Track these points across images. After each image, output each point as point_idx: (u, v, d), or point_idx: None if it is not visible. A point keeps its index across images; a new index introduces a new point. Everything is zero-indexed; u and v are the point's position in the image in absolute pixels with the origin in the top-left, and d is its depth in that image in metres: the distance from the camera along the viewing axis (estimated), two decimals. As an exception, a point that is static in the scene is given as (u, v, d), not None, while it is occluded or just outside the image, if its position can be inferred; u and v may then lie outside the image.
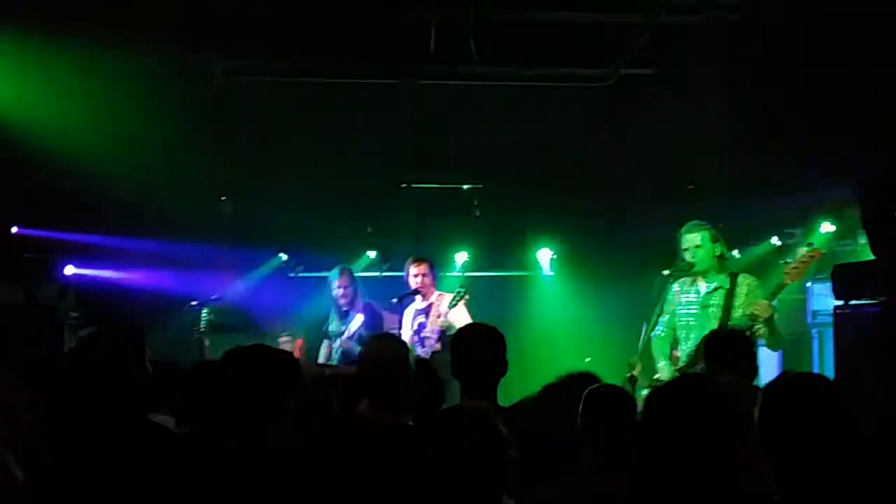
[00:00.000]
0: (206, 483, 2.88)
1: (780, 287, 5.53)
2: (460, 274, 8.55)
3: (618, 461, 3.18)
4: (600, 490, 2.97)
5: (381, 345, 3.66)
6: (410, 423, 3.38)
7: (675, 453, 2.35)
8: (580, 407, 3.27)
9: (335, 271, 7.41)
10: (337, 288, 7.30)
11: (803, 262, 5.52)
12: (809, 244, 5.76)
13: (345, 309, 7.28)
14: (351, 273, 7.44)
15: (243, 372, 3.07)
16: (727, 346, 4.30)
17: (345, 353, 7.05)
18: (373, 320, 7.25)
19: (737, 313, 5.55)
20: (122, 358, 3.44)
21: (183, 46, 7.58)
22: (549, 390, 3.74)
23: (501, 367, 3.82)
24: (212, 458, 2.96)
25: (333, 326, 7.29)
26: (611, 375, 5.04)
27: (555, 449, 3.41)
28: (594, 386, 3.35)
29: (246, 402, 2.99)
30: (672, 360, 5.86)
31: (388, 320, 7.65)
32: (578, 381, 3.58)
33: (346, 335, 7.11)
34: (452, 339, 4.06)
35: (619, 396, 3.38)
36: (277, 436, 2.97)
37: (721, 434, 2.37)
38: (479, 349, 3.82)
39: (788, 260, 5.66)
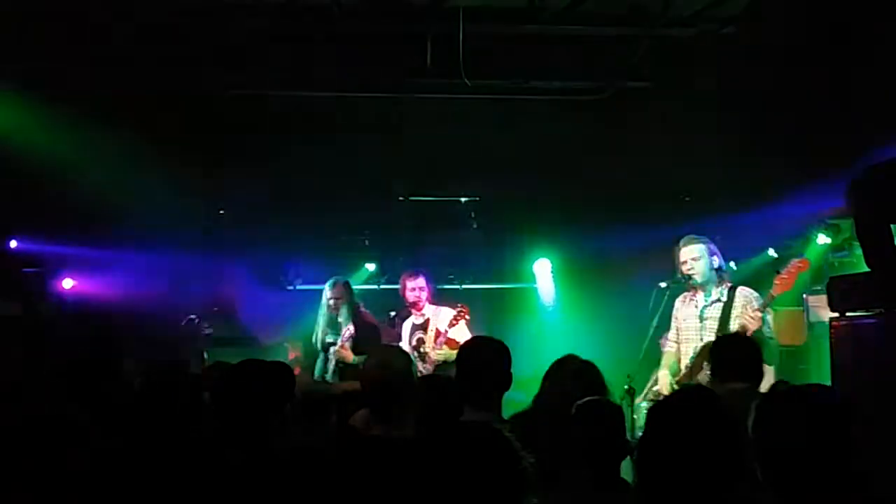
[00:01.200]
0: (208, 494, 2.88)
1: (771, 298, 5.56)
2: (458, 287, 8.57)
3: (606, 474, 3.18)
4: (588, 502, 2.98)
5: (384, 357, 3.62)
6: (411, 437, 3.36)
7: (677, 465, 2.35)
8: (571, 421, 3.28)
9: (329, 282, 7.39)
10: (329, 299, 7.27)
11: (791, 272, 5.56)
12: (799, 255, 5.80)
13: (339, 320, 7.27)
14: (346, 285, 7.38)
15: (240, 384, 3.07)
16: (733, 352, 4.29)
17: (339, 362, 7.03)
18: (366, 330, 7.21)
19: (732, 326, 5.58)
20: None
21: (182, 59, 7.62)
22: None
23: (506, 380, 3.80)
24: (213, 468, 2.97)
25: (328, 338, 7.27)
26: (609, 386, 5.06)
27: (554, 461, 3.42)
28: (583, 400, 3.35)
29: (244, 414, 2.99)
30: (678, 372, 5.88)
31: (386, 334, 7.63)
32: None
33: (338, 344, 7.08)
34: (458, 352, 4.01)
35: (607, 410, 3.39)
36: (277, 444, 2.97)
37: (722, 446, 2.37)
38: (484, 361, 3.79)
39: (779, 270, 5.68)
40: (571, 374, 3.96)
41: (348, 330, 7.04)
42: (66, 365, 3.92)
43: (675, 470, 2.34)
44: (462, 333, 6.98)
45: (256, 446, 2.95)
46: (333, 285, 7.30)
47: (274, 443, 2.97)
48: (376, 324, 7.46)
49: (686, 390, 2.81)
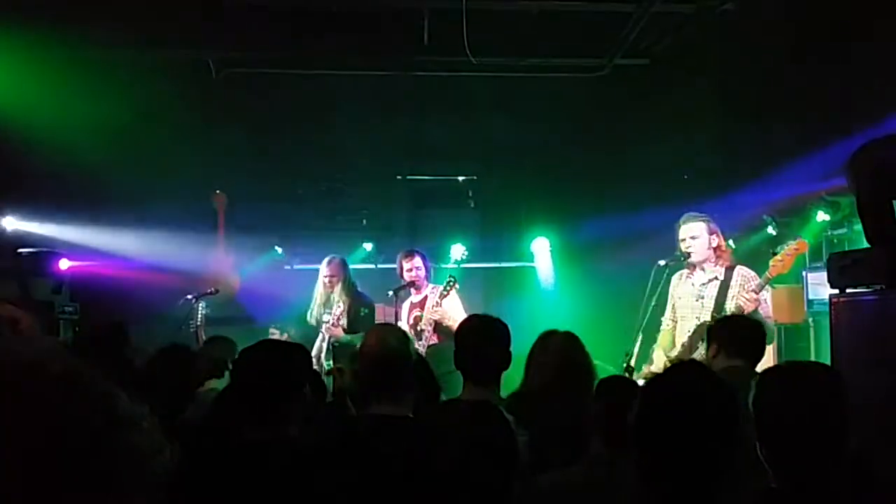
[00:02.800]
0: (224, 477, 2.88)
1: (767, 280, 5.54)
2: (456, 266, 8.55)
3: (627, 451, 3.17)
4: (609, 479, 2.97)
5: (381, 335, 3.59)
6: (410, 416, 3.35)
7: (672, 442, 2.35)
8: (593, 396, 3.27)
9: (325, 260, 7.41)
10: (324, 276, 7.29)
11: (788, 254, 5.54)
12: (796, 237, 5.78)
13: (334, 298, 7.27)
14: (342, 263, 7.39)
15: (261, 367, 3.07)
16: (735, 331, 4.28)
17: (332, 340, 7.04)
18: (360, 308, 7.22)
19: (729, 305, 5.57)
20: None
21: (177, 39, 7.57)
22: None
23: (506, 359, 3.80)
24: (230, 451, 2.96)
25: (322, 316, 7.25)
26: (608, 364, 5.05)
27: (560, 437, 3.42)
28: (607, 376, 3.36)
29: (264, 397, 2.99)
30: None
31: (385, 313, 7.62)
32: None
33: (330, 322, 7.09)
34: (458, 330, 4.01)
35: (631, 387, 3.38)
36: (294, 428, 2.97)
37: (718, 421, 2.36)
38: (485, 340, 3.79)
39: (776, 251, 5.66)
40: (555, 349, 3.95)
41: (339, 307, 7.06)
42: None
43: (671, 445, 2.34)
44: (453, 303, 7.03)
45: (275, 428, 2.94)
46: (329, 262, 7.32)
47: (291, 425, 2.97)
48: (371, 302, 7.46)
49: (681, 365, 2.80)
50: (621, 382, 3.39)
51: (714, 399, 2.37)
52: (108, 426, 1.16)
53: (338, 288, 7.20)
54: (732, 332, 4.24)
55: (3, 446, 1.08)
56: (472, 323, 4.02)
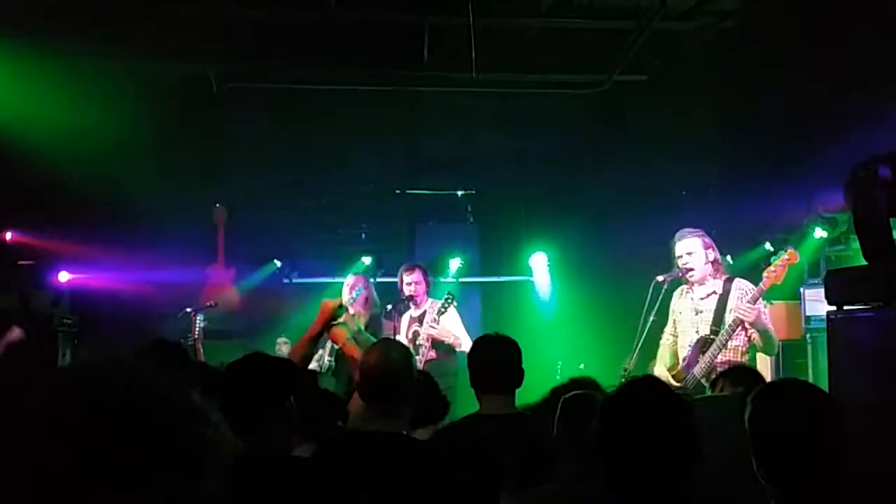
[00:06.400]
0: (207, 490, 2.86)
1: (760, 291, 5.56)
2: (454, 280, 8.55)
3: (593, 469, 3.16)
4: (576, 499, 2.97)
5: (384, 351, 3.56)
6: (406, 433, 3.34)
7: (631, 454, 2.38)
8: (556, 415, 3.25)
9: (351, 276, 7.44)
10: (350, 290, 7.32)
11: (780, 265, 5.56)
12: (786, 248, 5.80)
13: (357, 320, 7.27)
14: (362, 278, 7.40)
15: (242, 380, 3.06)
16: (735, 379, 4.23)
17: (334, 345, 7.04)
18: (374, 323, 7.21)
19: (728, 318, 5.59)
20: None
21: (179, 54, 7.60)
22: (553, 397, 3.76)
23: (521, 375, 3.85)
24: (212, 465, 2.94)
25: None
26: (606, 380, 5.04)
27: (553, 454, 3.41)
28: (570, 394, 3.33)
29: (245, 410, 2.98)
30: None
31: (384, 327, 7.62)
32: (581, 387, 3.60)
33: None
34: (474, 346, 4.03)
35: (594, 404, 3.36)
36: (278, 443, 2.96)
37: (674, 433, 2.39)
38: (503, 357, 3.84)
39: (769, 263, 5.70)
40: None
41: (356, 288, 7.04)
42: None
43: (631, 457, 2.37)
44: (451, 319, 7.03)
45: (258, 442, 2.93)
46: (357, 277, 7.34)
47: (274, 440, 2.96)
48: (380, 318, 7.47)
49: (636, 380, 2.82)
50: (585, 400, 3.34)
51: (669, 412, 2.41)
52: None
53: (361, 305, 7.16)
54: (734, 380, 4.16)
55: None
56: (491, 341, 4.03)
